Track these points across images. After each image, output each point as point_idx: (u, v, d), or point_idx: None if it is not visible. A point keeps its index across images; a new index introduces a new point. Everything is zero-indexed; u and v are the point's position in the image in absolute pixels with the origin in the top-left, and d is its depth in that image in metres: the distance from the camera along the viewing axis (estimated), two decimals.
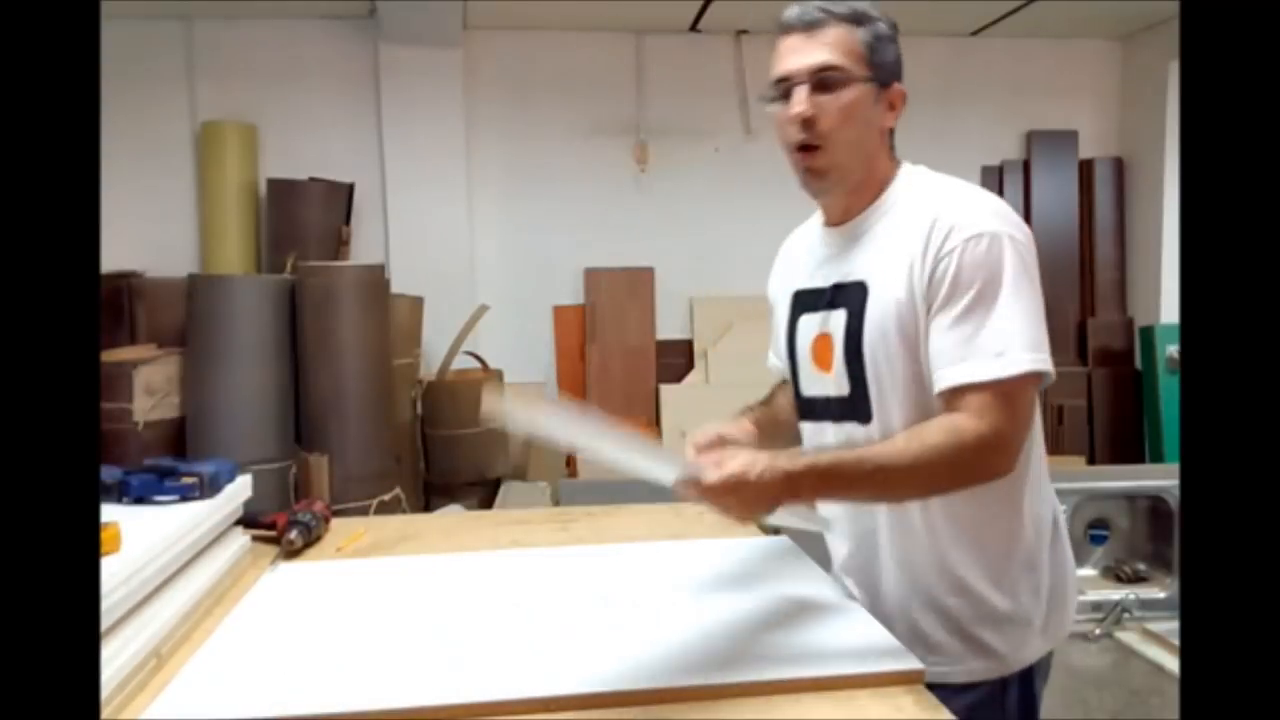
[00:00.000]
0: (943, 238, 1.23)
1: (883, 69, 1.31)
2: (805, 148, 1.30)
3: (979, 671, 1.31)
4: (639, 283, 4.83)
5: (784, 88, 1.30)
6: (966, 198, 1.29)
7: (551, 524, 1.85)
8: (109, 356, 3.44)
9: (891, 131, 1.36)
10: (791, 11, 1.31)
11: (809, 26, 1.29)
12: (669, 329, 4.86)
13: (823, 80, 1.27)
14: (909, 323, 1.26)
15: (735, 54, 4.82)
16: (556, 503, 3.72)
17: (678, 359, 4.83)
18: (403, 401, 3.87)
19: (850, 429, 1.35)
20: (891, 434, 1.27)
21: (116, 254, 3.97)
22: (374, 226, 4.57)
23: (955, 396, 1.20)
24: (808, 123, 1.28)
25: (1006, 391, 1.18)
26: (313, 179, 4.35)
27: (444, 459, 4.06)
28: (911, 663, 1.15)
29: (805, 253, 1.47)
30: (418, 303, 4.15)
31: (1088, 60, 5.04)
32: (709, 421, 1.55)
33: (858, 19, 1.29)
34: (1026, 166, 5.00)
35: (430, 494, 4.08)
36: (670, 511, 1.88)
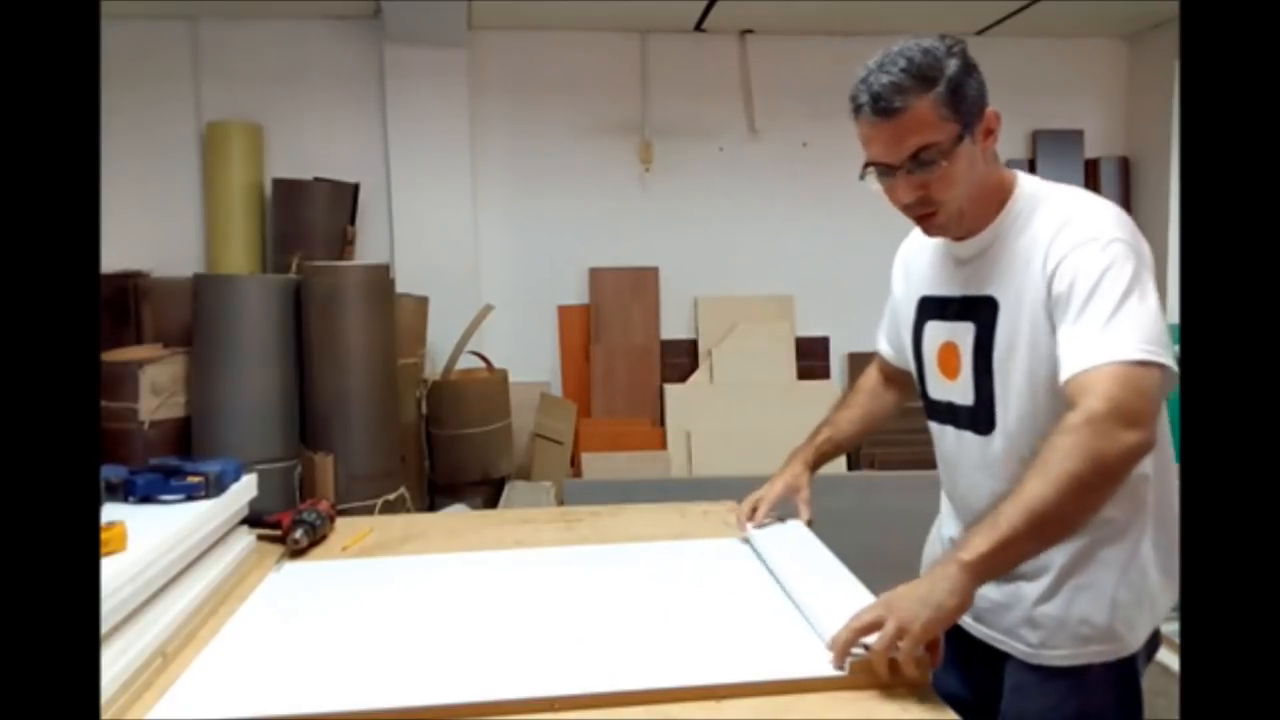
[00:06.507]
0: (1058, 250, 1.24)
1: (969, 110, 1.28)
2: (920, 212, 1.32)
3: (1088, 655, 1.30)
4: (643, 282, 4.83)
5: (880, 169, 1.29)
6: (1084, 209, 1.28)
7: (556, 524, 1.85)
8: (115, 356, 3.44)
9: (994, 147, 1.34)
10: (863, 96, 1.26)
11: (886, 114, 1.25)
12: (674, 329, 4.86)
13: (919, 161, 1.26)
14: (1039, 339, 1.27)
15: (740, 53, 4.82)
16: (561, 502, 3.73)
17: (682, 359, 4.83)
18: (407, 401, 3.87)
19: (969, 438, 1.39)
20: (1012, 444, 1.31)
21: (122, 254, 3.99)
22: (379, 226, 4.57)
23: (1071, 385, 1.18)
24: (919, 200, 1.29)
25: (1122, 374, 1.15)
26: (318, 179, 4.36)
27: (449, 458, 4.06)
28: None
29: (931, 256, 1.48)
30: (422, 302, 4.15)
31: (1093, 59, 5.02)
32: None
33: (928, 78, 1.25)
34: (1032, 166, 4.97)
35: (435, 493, 4.08)
36: (675, 511, 1.88)
